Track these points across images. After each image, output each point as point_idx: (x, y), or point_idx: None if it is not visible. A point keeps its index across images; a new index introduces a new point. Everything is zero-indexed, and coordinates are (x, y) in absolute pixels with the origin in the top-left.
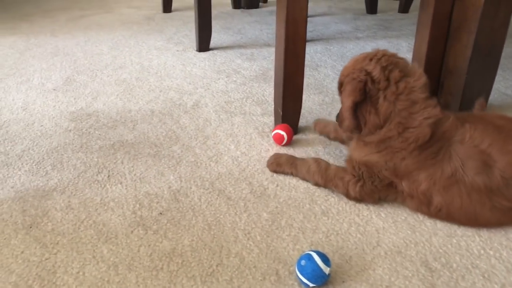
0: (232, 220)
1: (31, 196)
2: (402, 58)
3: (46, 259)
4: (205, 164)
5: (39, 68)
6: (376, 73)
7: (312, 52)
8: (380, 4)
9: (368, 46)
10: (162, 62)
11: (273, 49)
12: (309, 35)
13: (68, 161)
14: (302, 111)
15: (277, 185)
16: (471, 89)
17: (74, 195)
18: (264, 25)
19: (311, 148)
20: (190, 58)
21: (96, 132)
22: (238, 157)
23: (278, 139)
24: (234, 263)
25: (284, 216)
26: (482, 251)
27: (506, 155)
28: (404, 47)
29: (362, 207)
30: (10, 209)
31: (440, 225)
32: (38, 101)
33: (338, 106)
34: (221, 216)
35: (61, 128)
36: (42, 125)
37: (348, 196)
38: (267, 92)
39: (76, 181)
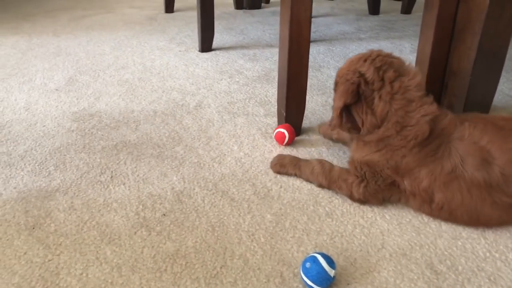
0: (236, 222)
1: (34, 196)
2: (397, 58)
3: (49, 260)
4: (208, 165)
5: (41, 68)
6: (370, 74)
7: (314, 53)
8: (383, 5)
9: (371, 47)
10: (165, 62)
11: (275, 50)
12: (311, 35)
13: (71, 162)
14: (305, 112)
15: (281, 187)
16: (475, 91)
17: (77, 195)
18: (267, 25)
19: (315, 149)
20: (192, 59)
21: (99, 132)
22: (241, 158)
23: (279, 138)
24: (238, 265)
25: (288, 218)
26: (487, 254)
27: (505, 152)
28: (407, 48)
29: (366, 209)
30: (13, 210)
31: (445, 227)
32: (41, 101)
33: None
34: (225, 218)
35: (64, 129)
36: (44, 126)
37: (352, 198)
38: (270, 93)
39: (79, 182)
